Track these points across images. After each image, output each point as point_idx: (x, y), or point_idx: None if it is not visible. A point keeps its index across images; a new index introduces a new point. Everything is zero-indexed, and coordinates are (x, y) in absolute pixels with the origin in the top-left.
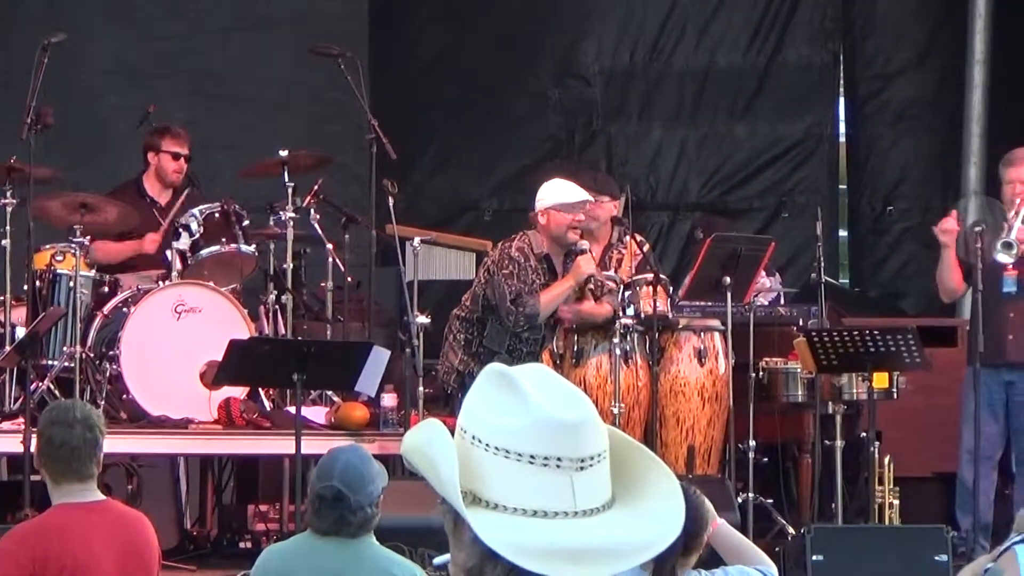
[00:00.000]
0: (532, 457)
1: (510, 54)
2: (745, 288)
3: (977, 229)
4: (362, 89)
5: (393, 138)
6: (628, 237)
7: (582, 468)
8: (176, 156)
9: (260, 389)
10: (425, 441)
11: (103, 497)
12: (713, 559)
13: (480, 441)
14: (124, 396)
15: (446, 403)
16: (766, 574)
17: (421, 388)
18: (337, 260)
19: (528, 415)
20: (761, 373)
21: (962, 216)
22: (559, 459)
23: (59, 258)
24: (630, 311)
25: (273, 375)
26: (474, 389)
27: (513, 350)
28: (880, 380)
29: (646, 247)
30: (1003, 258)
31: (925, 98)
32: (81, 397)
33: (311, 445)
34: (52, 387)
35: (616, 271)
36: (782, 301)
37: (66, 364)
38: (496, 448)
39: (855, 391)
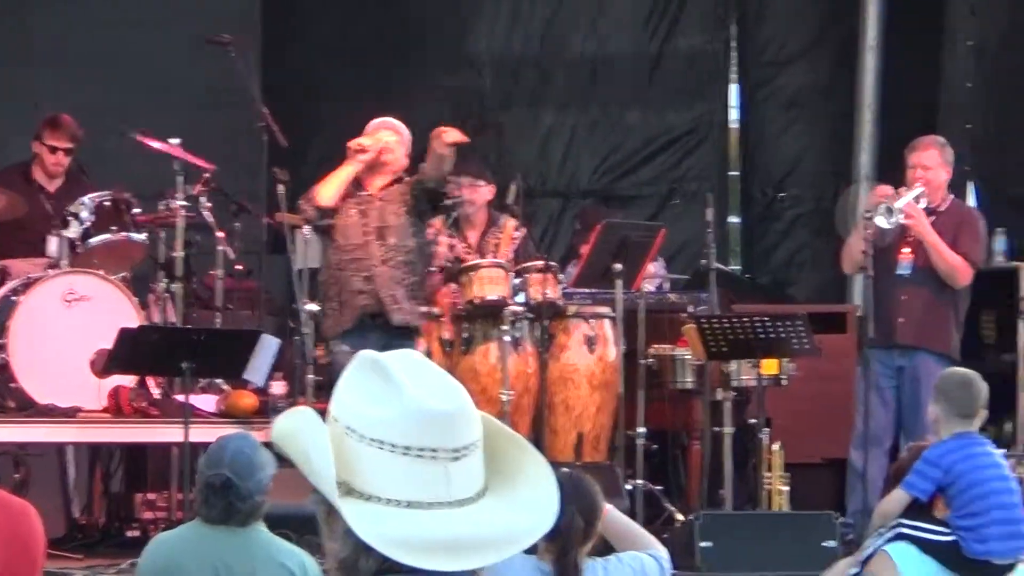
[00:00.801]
0: (407, 448)
1: (401, 42)
2: (635, 275)
3: (868, 216)
4: (253, 77)
5: (285, 126)
6: (503, 221)
7: (456, 458)
8: (53, 150)
9: (149, 377)
10: (297, 429)
11: None
12: (604, 547)
13: (354, 431)
14: (11, 384)
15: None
16: (657, 558)
17: (310, 376)
18: (227, 248)
19: (402, 405)
20: (651, 360)
21: (852, 203)
22: (434, 450)
23: None
24: (520, 298)
25: (162, 363)
26: (345, 377)
27: None
28: (769, 366)
29: (522, 232)
30: (880, 222)
31: (817, 85)
32: None
33: (200, 433)
34: None
35: (494, 256)
36: (666, 287)
37: None
38: (371, 439)
39: (744, 377)
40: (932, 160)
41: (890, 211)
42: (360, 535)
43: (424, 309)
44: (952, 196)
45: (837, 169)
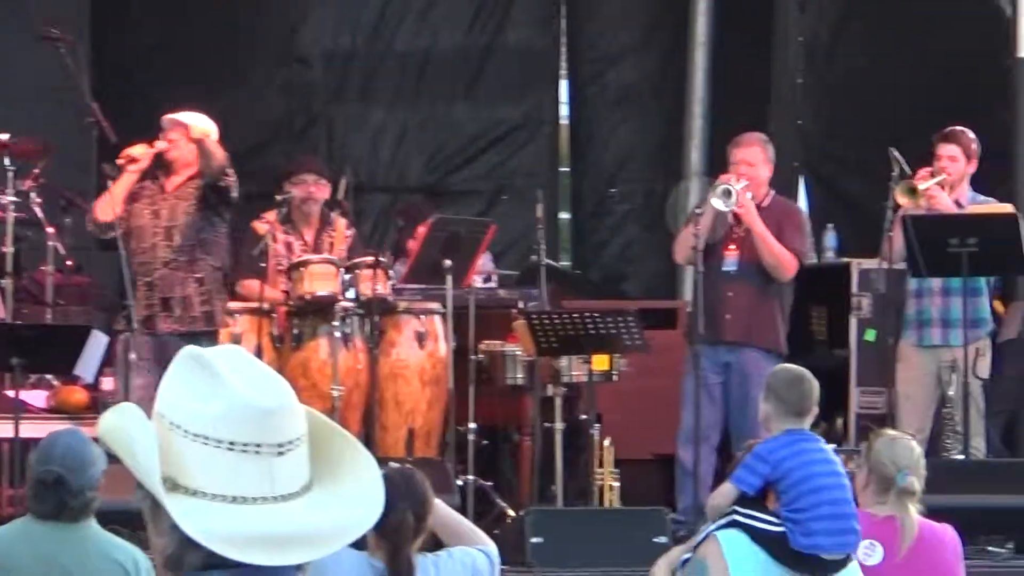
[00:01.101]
0: (231, 444)
1: (232, 37)
2: (465, 271)
3: (698, 211)
4: (83, 73)
5: (115, 122)
6: (334, 219)
7: (281, 453)
8: None
9: None
10: (122, 426)
11: None
12: (434, 543)
13: (178, 427)
14: None
15: None
16: (487, 553)
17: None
18: (57, 244)
19: (226, 401)
20: (481, 356)
21: (683, 198)
22: (258, 445)
23: None
24: (350, 294)
25: None
26: (170, 373)
27: None
28: (600, 362)
29: (352, 231)
30: (717, 203)
31: (647, 81)
32: None
33: (30, 429)
34: None
35: (329, 253)
36: (493, 281)
37: None
38: (195, 435)
39: (575, 373)
40: (755, 156)
41: (728, 193)
42: (185, 530)
43: (239, 305)
44: (773, 192)
45: (667, 165)
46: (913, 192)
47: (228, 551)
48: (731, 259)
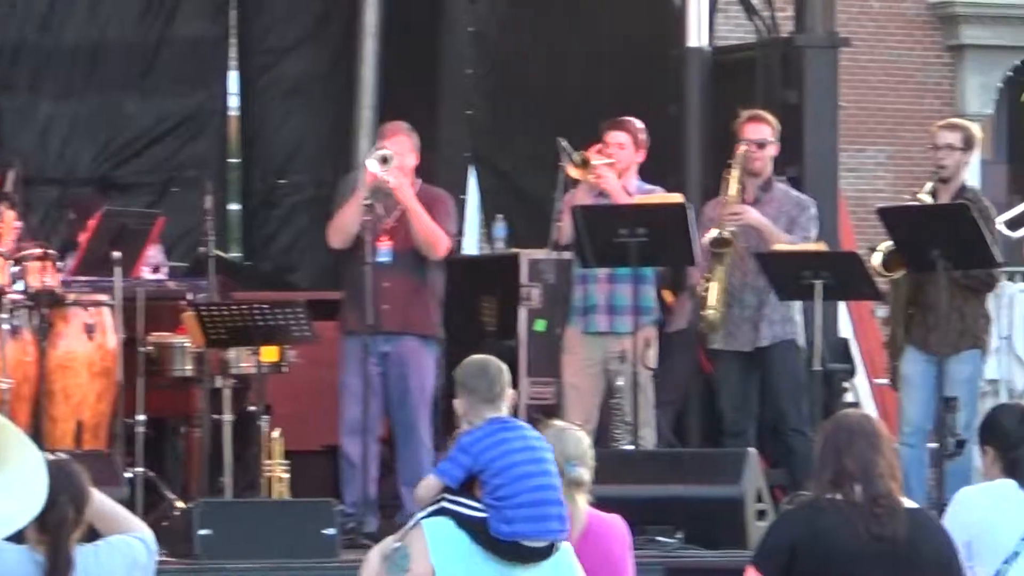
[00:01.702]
0: None
1: None
2: (134, 262)
3: (367, 202)
4: None
5: None
6: (2, 210)
7: None
8: None
9: None
10: None
11: None
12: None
13: None
14: None
15: None
16: (143, 540)
17: None
18: None
19: None
20: (150, 348)
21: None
22: None
23: None
24: (18, 286)
25: None
26: None
27: None
28: (269, 354)
29: (20, 222)
30: (372, 166)
31: (317, 72)
32: None
33: None
34: None
35: None
36: (163, 273)
37: None
38: None
39: (244, 365)
40: (402, 146)
41: (385, 159)
42: None
43: None
44: (420, 181)
45: (337, 156)
46: (586, 164)
47: None
48: (385, 249)
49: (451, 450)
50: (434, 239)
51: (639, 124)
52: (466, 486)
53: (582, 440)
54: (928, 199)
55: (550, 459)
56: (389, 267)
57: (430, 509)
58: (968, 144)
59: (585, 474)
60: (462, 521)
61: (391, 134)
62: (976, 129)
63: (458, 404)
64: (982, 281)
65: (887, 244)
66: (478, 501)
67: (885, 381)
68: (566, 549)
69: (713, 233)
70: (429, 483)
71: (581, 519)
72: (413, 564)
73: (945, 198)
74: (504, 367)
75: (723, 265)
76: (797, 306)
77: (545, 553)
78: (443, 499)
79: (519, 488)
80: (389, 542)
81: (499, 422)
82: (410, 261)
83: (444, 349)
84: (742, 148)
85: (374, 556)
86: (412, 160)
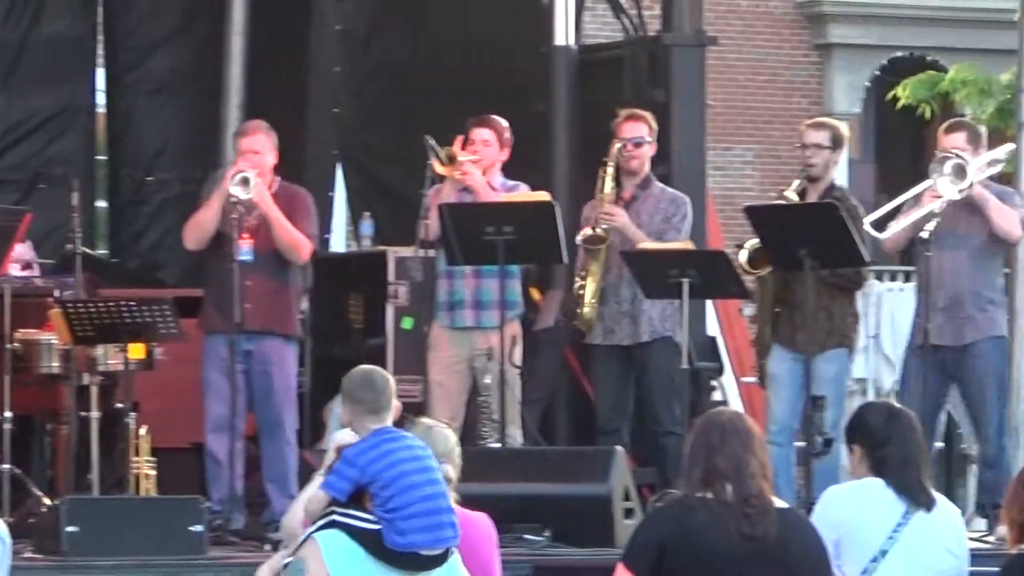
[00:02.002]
0: None
1: None
2: (1, 259)
3: (233, 200)
4: None
5: None
6: None
7: None
8: None
9: None
10: None
11: None
12: None
13: None
14: None
15: None
16: None
17: None
18: None
19: None
20: (16, 345)
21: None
22: None
23: None
24: None
25: None
26: None
27: None
28: (136, 351)
29: None
30: (237, 191)
31: (184, 69)
32: None
33: None
34: None
35: None
36: (34, 270)
37: None
38: None
39: (112, 362)
40: (260, 144)
41: (247, 181)
42: None
43: None
44: (279, 179)
45: (204, 153)
46: (452, 160)
47: None
48: (246, 248)
49: (336, 463)
50: (296, 245)
51: (504, 122)
52: (355, 498)
53: (449, 438)
54: (795, 197)
55: (436, 466)
56: (251, 266)
57: (321, 523)
58: (836, 143)
59: (452, 471)
60: (355, 534)
61: (251, 133)
62: (844, 128)
63: (343, 414)
64: (850, 280)
65: (753, 242)
66: (369, 513)
67: (753, 379)
68: (455, 556)
69: (587, 231)
70: (318, 497)
71: None
72: None
73: (814, 197)
74: (390, 378)
75: (598, 262)
76: (676, 303)
77: (441, 560)
78: (333, 512)
79: (410, 499)
80: (278, 559)
81: (383, 433)
82: (272, 260)
83: (311, 347)
84: (616, 146)
85: (264, 572)
86: (271, 159)
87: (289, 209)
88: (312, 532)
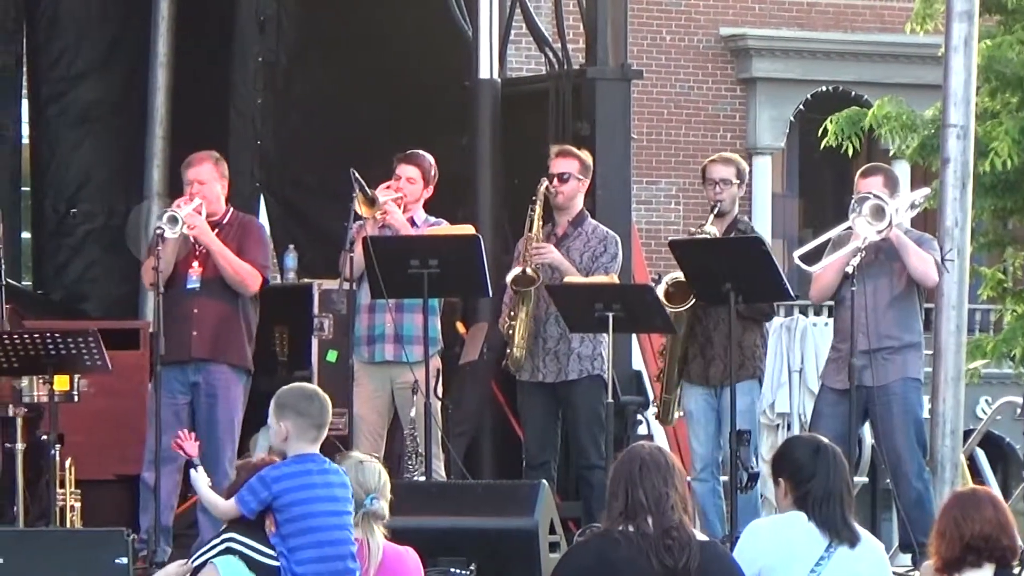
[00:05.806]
0: None
1: None
2: None
3: (159, 231)
4: None
5: None
6: None
7: None
8: None
9: None
10: None
11: None
12: None
13: None
14: None
15: None
16: None
17: None
18: None
19: None
20: None
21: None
22: None
23: None
24: None
25: None
26: None
27: None
28: (61, 382)
29: None
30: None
31: (109, 100)
32: None
33: None
34: None
35: None
36: None
37: None
38: None
39: (36, 393)
40: (207, 174)
41: (174, 220)
42: None
43: None
44: (232, 208)
45: (128, 185)
46: (373, 203)
47: None
48: (194, 276)
49: (251, 479)
50: (244, 277)
51: (430, 159)
52: (253, 521)
53: (381, 473)
54: (715, 231)
55: (350, 508)
56: (198, 293)
57: (217, 548)
58: (741, 177)
59: (384, 507)
60: (253, 564)
61: (197, 163)
62: (743, 162)
63: (282, 428)
64: (763, 312)
65: (671, 276)
66: (267, 541)
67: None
68: None
69: (516, 271)
70: (226, 507)
71: (378, 552)
72: None
73: (720, 231)
74: (327, 397)
75: (528, 303)
76: (606, 341)
77: None
78: (231, 538)
79: (313, 539)
80: (174, 569)
81: (309, 460)
82: (220, 287)
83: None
84: (544, 183)
85: None
86: (220, 188)
87: (240, 239)
88: (209, 557)
